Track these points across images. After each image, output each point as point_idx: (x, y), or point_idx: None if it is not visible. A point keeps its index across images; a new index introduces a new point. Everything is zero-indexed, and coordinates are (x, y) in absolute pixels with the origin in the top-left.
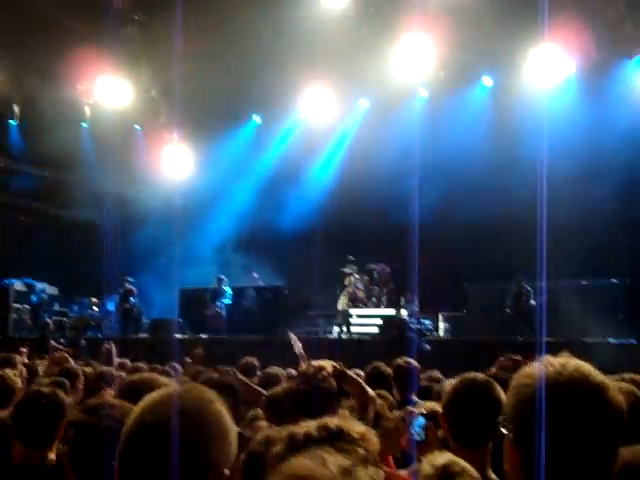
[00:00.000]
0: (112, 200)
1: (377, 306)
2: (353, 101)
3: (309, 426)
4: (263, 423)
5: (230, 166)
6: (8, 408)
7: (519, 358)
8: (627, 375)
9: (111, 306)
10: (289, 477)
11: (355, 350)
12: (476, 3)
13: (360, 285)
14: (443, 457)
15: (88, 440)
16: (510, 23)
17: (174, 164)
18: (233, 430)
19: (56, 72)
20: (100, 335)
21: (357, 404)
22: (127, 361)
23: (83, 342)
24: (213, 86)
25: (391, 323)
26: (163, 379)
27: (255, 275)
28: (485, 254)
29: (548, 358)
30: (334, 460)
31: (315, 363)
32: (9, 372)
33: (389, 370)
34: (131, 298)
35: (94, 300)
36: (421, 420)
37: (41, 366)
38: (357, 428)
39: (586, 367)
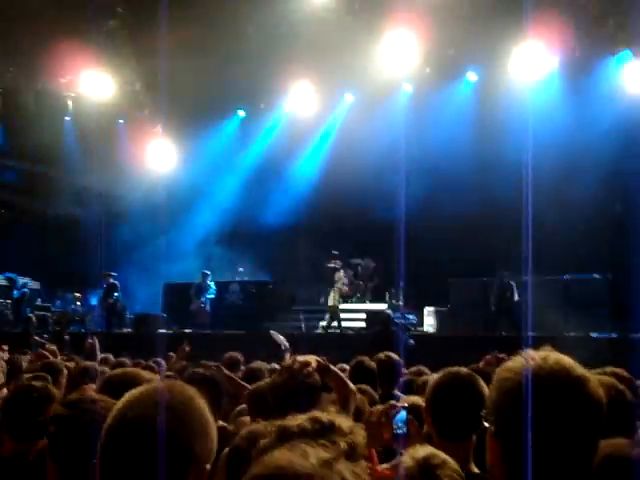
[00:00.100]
0: (95, 194)
1: (362, 301)
2: (338, 96)
3: (301, 419)
4: (247, 418)
5: (214, 160)
6: None
7: (504, 356)
8: (609, 369)
9: (94, 301)
10: (268, 467)
11: (340, 345)
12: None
13: (345, 280)
14: (424, 450)
15: (69, 434)
16: (494, 19)
17: (158, 158)
18: (214, 426)
19: (38, 65)
20: (83, 330)
21: (338, 398)
22: (110, 356)
23: (67, 337)
24: (197, 80)
25: (375, 318)
26: (146, 374)
27: (240, 269)
28: (469, 249)
29: (529, 352)
30: (315, 452)
31: (300, 358)
32: None
33: (374, 365)
34: (114, 293)
35: (77, 295)
36: (403, 414)
37: (24, 361)
38: (346, 422)
39: (566, 360)
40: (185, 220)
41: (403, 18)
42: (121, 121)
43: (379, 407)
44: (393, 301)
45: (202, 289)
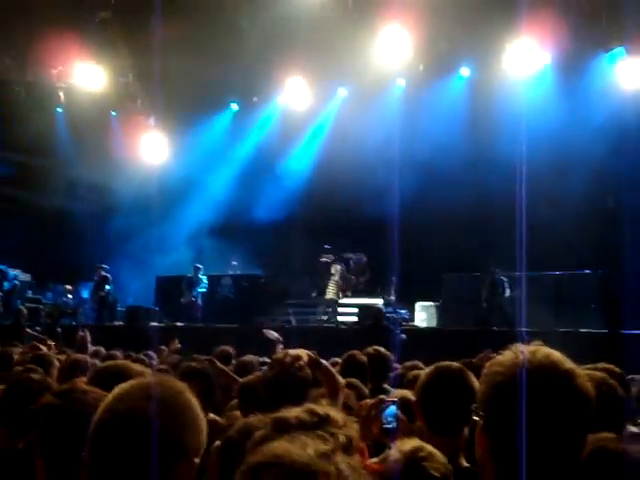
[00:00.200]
0: (87, 186)
1: (354, 295)
2: (331, 90)
3: (297, 411)
4: (239, 412)
5: (207, 153)
6: None
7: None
8: (601, 364)
9: (86, 294)
10: (266, 456)
11: (331, 339)
12: None
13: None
14: (411, 443)
15: (59, 424)
16: (487, 15)
17: (150, 150)
18: (204, 420)
19: (29, 56)
20: (75, 323)
21: (328, 392)
22: (101, 349)
23: (59, 330)
24: (190, 72)
25: (367, 312)
26: (136, 367)
27: (234, 263)
28: (462, 244)
29: (519, 346)
30: (314, 444)
31: (292, 352)
32: None
33: (365, 359)
34: (106, 285)
35: (68, 287)
36: (393, 408)
37: (15, 354)
38: (340, 415)
39: (555, 355)
40: (177, 213)
41: (396, 13)
42: (113, 113)
43: (368, 401)
44: (385, 296)
45: (194, 282)
